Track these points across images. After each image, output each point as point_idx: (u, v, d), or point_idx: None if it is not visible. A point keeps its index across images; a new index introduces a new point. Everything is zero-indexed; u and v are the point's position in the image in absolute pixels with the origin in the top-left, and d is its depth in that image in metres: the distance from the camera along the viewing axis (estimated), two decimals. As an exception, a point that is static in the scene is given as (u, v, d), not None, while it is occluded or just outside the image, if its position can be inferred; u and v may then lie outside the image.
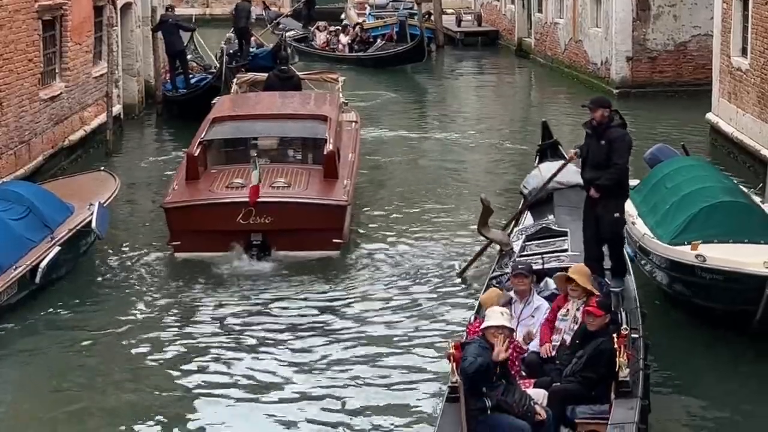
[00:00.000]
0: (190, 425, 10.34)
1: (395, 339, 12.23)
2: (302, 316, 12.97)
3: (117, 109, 23.64)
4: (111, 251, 15.33)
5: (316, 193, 15.17)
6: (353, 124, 19.51)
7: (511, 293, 10.64)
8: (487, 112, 28.52)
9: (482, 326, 9.11)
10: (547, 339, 10.10)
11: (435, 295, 13.59)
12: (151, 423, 10.35)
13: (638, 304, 11.03)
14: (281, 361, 11.67)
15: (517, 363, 9.61)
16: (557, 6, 33.90)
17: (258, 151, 16.81)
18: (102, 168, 18.22)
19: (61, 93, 20.27)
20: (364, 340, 12.24)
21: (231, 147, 17.16)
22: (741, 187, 14.27)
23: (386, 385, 11.02)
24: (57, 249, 13.53)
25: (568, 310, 10.25)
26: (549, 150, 16.35)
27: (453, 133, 24.62)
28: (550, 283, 11.16)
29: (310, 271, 14.39)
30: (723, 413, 10.54)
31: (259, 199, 14.50)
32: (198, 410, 10.61)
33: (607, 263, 11.89)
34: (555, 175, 14.03)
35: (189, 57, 27.54)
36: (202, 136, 16.35)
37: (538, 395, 9.14)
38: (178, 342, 12.26)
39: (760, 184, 16.15)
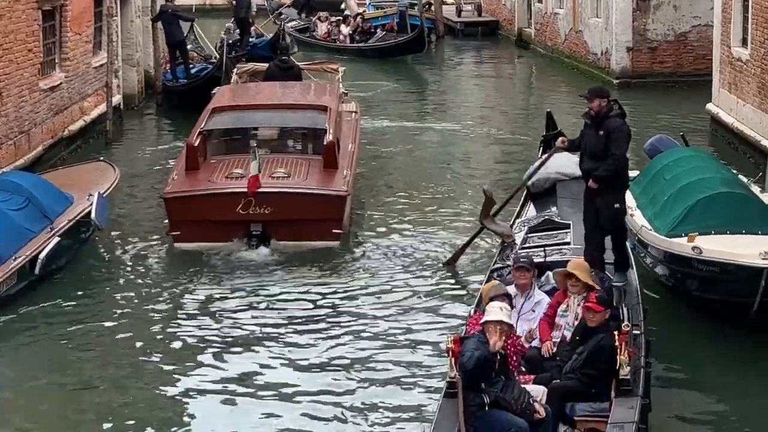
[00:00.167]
0: (189, 417, 10.35)
1: (394, 331, 12.21)
2: (301, 306, 12.97)
3: (117, 99, 23.60)
4: (111, 242, 15.35)
5: (315, 183, 15.16)
6: (353, 114, 19.48)
7: (512, 287, 10.45)
8: (487, 103, 28.47)
9: (481, 321, 9.08)
10: (546, 336, 10.01)
11: (435, 287, 13.58)
12: (150, 414, 10.36)
13: (640, 300, 10.93)
14: (280, 352, 11.67)
15: (515, 358, 9.55)
16: (557, -4, 33.90)
17: (258, 142, 16.83)
18: (102, 158, 18.24)
19: (60, 83, 20.25)
20: (363, 331, 12.23)
21: (231, 137, 17.14)
22: (740, 177, 14.20)
23: (384, 378, 10.99)
24: (56, 239, 13.51)
25: (568, 305, 10.16)
26: (553, 141, 16.28)
27: (453, 123, 24.60)
28: (551, 278, 11.00)
29: (309, 261, 14.38)
30: (721, 406, 10.54)
31: (258, 190, 14.49)
32: (197, 402, 10.62)
33: (610, 257, 11.80)
34: (543, 162, 14.03)
35: (189, 47, 27.46)
36: (202, 126, 16.32)
37: (538, 392, 9.10)
38: (178, 333, 12.27)
39: (760, 174, 16.15)
